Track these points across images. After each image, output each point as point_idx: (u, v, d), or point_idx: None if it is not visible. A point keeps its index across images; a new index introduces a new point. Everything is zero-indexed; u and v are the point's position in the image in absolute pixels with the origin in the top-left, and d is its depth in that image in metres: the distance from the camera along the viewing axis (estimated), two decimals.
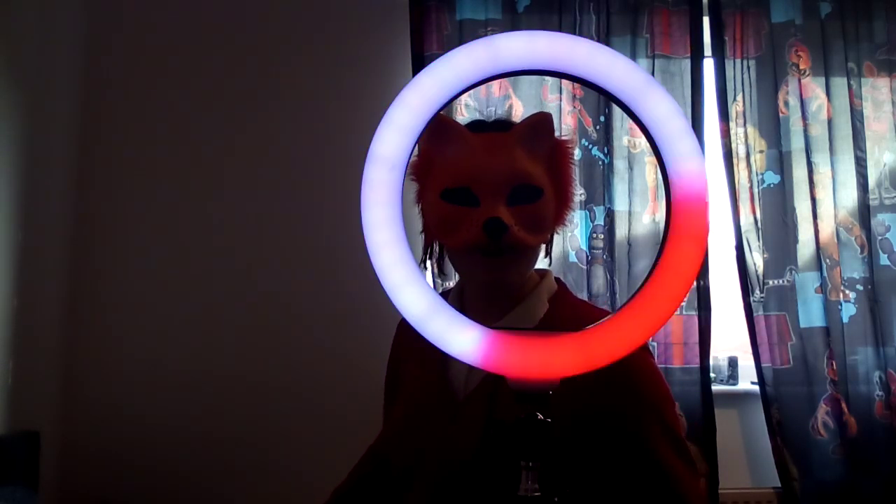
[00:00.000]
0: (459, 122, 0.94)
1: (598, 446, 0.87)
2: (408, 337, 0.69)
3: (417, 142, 0.70)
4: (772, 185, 2.36)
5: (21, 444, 1.81)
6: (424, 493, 0.92)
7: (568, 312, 0.96)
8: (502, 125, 0.95)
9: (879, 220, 2.37)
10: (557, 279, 1.02)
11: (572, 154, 0.95)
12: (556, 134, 0.93)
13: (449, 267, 1.02)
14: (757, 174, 2.36)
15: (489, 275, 0.91)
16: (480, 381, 0.91)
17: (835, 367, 2.28)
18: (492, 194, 0.85)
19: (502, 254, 0.87)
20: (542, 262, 1.00)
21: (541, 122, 0.90)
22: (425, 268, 1.04)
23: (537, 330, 0.92)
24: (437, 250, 1.02)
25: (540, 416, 0.68)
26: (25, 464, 1.80)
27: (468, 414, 0.90)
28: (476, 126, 0.96)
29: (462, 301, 1.01)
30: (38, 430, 1.87)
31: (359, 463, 1.10)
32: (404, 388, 1.02)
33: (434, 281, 2.24)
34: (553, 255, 1.00)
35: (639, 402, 0.88)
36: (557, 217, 0.92)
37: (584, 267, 2.30)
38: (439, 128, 0.89)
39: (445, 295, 1.04)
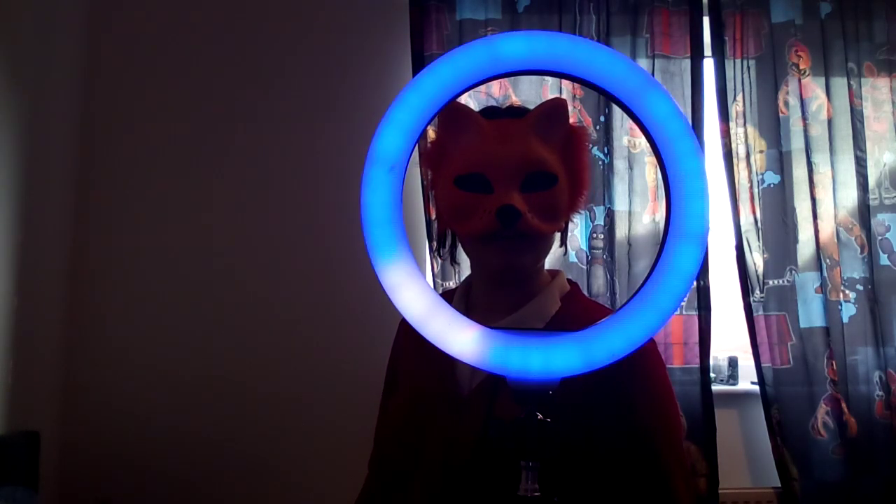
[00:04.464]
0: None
1: (601, 448, 0.86)
2: (412, 332, 0.69)
3: (417, 142, 0.69)
4: (772, 185, 2.36)
5: (21, 444, 1.80)
6: (425, 488, 0.91)
7: (580, 312, 0.95)
8: (516, 111, 0.93)
9: (879, 220, 2.37)
10: (570, 280, 1.02)
11: (587, 141, 0.93)
12: (571, 121, 0.92)
13: (460, 256, 1.01)
14: (757, 174, 2.36)
15: (503, 259, 0.89)
16: (486, 376, 0.90)
17: (835, 367, 2.28)
18: (505, 181, 0.84)
19: (516, 238, 0.86)
20: (557, 252, 0.99)
21: (555, 109, 0.89)
22: (439, 256, 1.04)
23: (546, 328, 0.91)
24: (450, 238, 1.01)
25: (540, 416, 0.68)
26: (25, 464, 1.79)
27: (471, 410, 0.89)
28: (490, 112, 0.95)
29: (469, 299, 1.00)
30: (38, 430, 1.87)
31: (364, 487, 1.09)
32: (405, 383, 1.02)
33: (434, 281, 2.24)
34: (553, 254, 0.99)
35: (650, 414, 0.88)
36: (572, 204, 0.91)
37: (584, 267, 2.30)
38: (453, 115, 0.88)
39: (449, 294, 1.04)
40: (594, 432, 0.86)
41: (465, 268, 1.04)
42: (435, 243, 1.01)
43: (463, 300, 1.00)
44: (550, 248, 0.96)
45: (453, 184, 0.87)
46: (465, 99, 0.81)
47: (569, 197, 0.89)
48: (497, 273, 0.94)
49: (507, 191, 0.84)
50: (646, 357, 0.88)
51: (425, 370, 0.97)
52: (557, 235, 0.97)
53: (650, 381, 0.90)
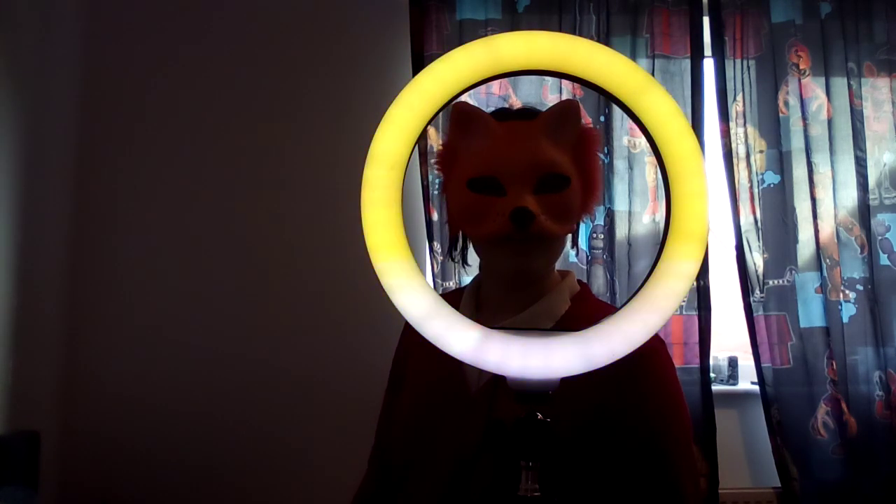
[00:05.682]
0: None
1: (606, 449, 0.86)
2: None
3: (417, 142, 0.69)
4: (772, 185, 2.36)
5: (21, 444, 1.80)
6: (429, 487, 0.91)
7: (589, 312, 0.93)
8: (527, 113, 0.93)
9: (879, 220, 2.37)
10: (580, 280, 1.01)
11: (599, 142, 0.92)
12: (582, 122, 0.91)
13: (472, 258, 1.01)
14: (757, 174, 2.36)
15: (516, 262, 0.89)
16: (492, 375, 0.90)
17: (835, 367, 2.28)
18: (518, 183, 0.83)
19: (529, 241, 0.86)
20: (566, 252, 0.99)
21: (567, 110, 0.88)
22: (451, 258, 1.04)
23: (555, 328, 0.91)
24: (461, 240, 1.01)
25: (539, 416, 0.68)
26: (25, 464, 1.79)
27: (477, 409, 0.89)
28: (501, 114, 0.94)
29: (479, 298, 0.99)
30: (38, 430, 1.87)
31: (364, 481, 1.08)
32: (412, 381, 1.01)
33: (434, 281, 2.24)
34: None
35: (659, 414, 0.88)
36: (584, 206, 0.90)
37: (584, 267, 2.30)
38: (464, 117, 0.88)
39: (458, 293, 1.03)
40: (603, 432, 0.86)
41: (472, 269, 1.04)
42: (438, 245, 1.00)
43: (472, 299, 0.99)
44: (562, 250, 0.95)
45: (466, 186, 0.86)
46: (465, 99, 0.80)
47: (581, 198, 0.89)
48: (509, 275, 0.93)
49: (520, 193, 0.83)
50: (656, 357, 0.88)
51: (433, 369, 0.96)
52: (569, 236, 0.97)
53: (660, 381, 0.89)
